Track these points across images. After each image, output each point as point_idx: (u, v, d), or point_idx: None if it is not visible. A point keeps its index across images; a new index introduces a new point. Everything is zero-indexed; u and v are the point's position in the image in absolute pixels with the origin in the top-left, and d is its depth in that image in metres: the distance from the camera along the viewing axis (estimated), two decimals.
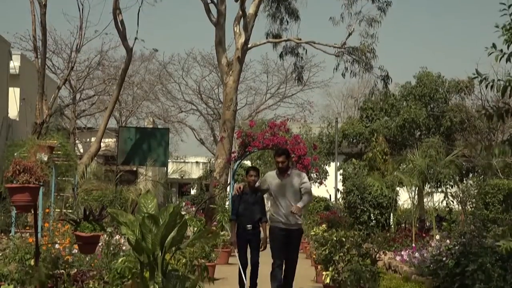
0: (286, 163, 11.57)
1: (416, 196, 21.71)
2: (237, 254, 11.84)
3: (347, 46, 30.36)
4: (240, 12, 27.54)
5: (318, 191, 30.87)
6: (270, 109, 54.13)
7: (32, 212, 8.79)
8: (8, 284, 8.77)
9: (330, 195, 36.37)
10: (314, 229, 19.56)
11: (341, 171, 35.58)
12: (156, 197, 6.61)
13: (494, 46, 8.39)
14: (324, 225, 20.02)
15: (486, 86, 8.63)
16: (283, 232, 11.36)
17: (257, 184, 12.06)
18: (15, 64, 28.79)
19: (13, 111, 28.44)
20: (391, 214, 23.86)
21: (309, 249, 20.52)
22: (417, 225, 21.08)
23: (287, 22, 31.20)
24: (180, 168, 33.97)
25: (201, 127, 55.14)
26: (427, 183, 20.37)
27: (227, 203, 24.02)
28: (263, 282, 12.04)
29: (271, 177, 11.77)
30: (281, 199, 11.44)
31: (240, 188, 12.06)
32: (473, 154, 26.40)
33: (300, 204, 11.32)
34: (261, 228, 11.97)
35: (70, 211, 18.75)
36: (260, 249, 11.84)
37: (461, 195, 21.34)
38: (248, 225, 11.84)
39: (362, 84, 54.73)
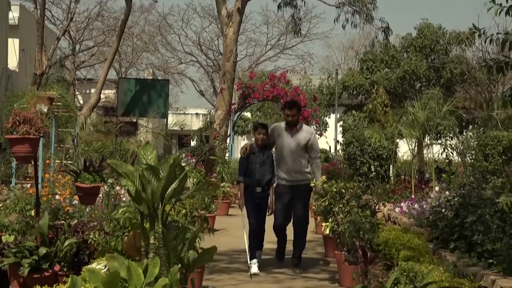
0: (297, 117, 11.00)
1: (416, 148, 21.72)
2: (246, 219, 11.02)
3: None
4: None
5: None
6: (270, 61, 54.11)
7: (32, 163, 8.80)
8: (9, 235, 8.81)
9: (330, 147, 36.44)
10: (314, 181, 19.61)
11: (341, 122, 35.54)
12: (156, 149, 6.60)
13: (493, 0, 8.30)
14: (323, 177, 20.07)
15: (485, 41, 8.57)
16: (288, 189, 10.96)
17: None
18: (14, 14, 28.63)
19: (13, 62, 28.35)
20: (391, 166, 23.90)
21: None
22: (417, 177, 21.12)
23: None
24: (182, 121, 33.90)
25: (201, 79, 55.17)
26: (427, 135, 20.37)
27: (226, 154, 24.07)
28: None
29: (279, 129, 11.16)
30: (286, 154, 10.94)
31: (246, 149, 11.03)
32: (473, 106, 26.37)
33: (317, 178, 10.87)
34: (270, 191, 11.14)
35: (70, 162, 18.78)
36: (267, 214, 11.17)
37: (460, 147, 21.34)
38: (257, 188, 10.98)
39: (362, 35, 54.42)
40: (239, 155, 11.45)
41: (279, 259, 11.54)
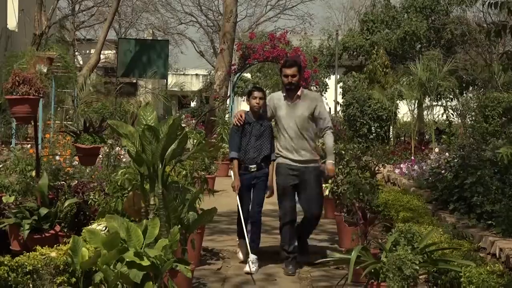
0: (297, 79, 8.86)
1: (416, 109, 21.72)
2: (238, 203, 8.91)
3: None
4: None
5: None
6: (270, 21, 53.92)
7: (32, 123, 8.80)
8: (10, 195, 8.83)
9: (330, 108, 36.38)
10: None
11: (341, 84, 35.50)
12: (156, 110, 6.59)
13: None
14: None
15: (489, 5, 8.50)
16: (293, 171, 8.91)
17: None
18: None
19: (12, 22, 28.20)
20: (391, 127, 23.92)
21: None
22: (416, 138, 21.15)
23: None
24: (182, 82, 33.81)
25: (201, 39, 55.32)
26: (427, 96, 20.35)
27: (227, 115, 24.04)
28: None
29: (276, 100, 9.07)
30: (289, 128, 8.90)
31: (241, 116, 8.99)
32: (474, 68, 26.27)
33: (330, 160, 9.06)
34: (270, 168, 9.07)
35: (70, 123, 18.78)
36: (266, 196, 9.07)
37: (460, 108, 21.33)
38: (251, 166, 8.93)
39: None
40: (232, 125, 9.43)
41: (303, 254, 9.28)
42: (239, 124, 8.96)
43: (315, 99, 9.13)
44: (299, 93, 8.94)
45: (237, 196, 8.91)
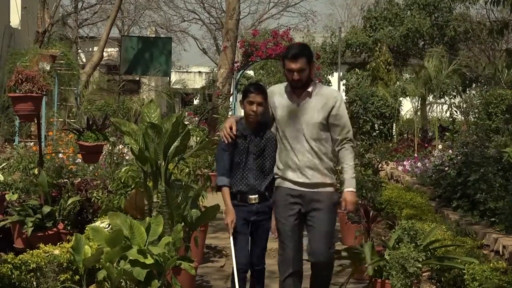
0: (307, 74, 6.18)
1: (419, 106, 21.71)
2: (232, 248, 6.22)
3: None
4: None
5: None
6: (273, 19, 53.75)
7: (35, 121, 8.81)
8: (13, 193, 8.84)
9: None
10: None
11: (344, 81, 35.48)
12: (159, 107, 6.59)
13: None
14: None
15: (492, 3, 8.50)
16: (296, 198, 6.22)
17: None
18: None
19: (15, 19, 28.22)
20: (394, 124, 23.92)
21: None
22: (420, 135, 21.14)
23: None
24: (183, 80, 33.78)
25: (204, 37, 55.08)
26: (430, 93, 20.35)
27: (229, 113, 24.03)
28: None
29: (277, 96, 6.35)
30: (293, 137, 6.23)
31: (231, 129, 6.24)
32: (477, 65, 26.25)
33: (350, 188, 6.24)
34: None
35: (73, 120, 18.79)
36: (272, 236, 6.49)
37: (464, 105, 21.32)
38: (252, 196, 6.26)
39: None
40: (220, 139, 6.56)
41: None
42: (228, 142, 6.23)
43: (333, 97, 6.31)
44: (309, 89, 6.24)
45: (231, 237, 6.19)
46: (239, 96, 6.74)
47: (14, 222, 8.19)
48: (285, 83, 6.41)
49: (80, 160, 10.97)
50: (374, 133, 23.47)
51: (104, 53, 29.63)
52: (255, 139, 6.29)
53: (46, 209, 8.18)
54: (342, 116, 6.31)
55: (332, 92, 6.52)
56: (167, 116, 6.64)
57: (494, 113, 18.50)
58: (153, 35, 42.30)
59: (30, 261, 6.21)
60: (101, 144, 8.61)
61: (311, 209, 6.20)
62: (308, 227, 6.27)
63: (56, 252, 6.45)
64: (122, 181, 8.39)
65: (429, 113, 22.48)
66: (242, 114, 6.42)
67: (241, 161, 6.29)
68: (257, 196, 6.26)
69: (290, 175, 6.22)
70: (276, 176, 6.35)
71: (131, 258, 5.54)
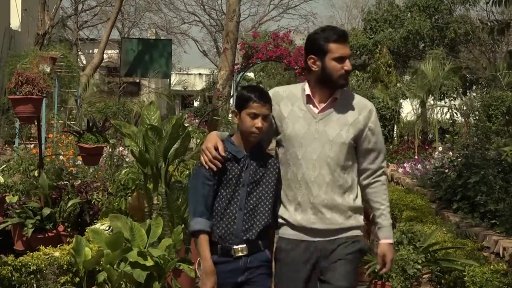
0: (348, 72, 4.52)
1: (420, 109, 21.72)
2: None
3: None
4: None
5: None
6: (273, 21, 54.06)
7: (36, 123, 8.81)
8: (13, 195, 8.84)
9: None
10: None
11: None
12: (159, 109, 6.59)
13: None
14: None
15: (493, 3, 8.50)
16: (310, 253, 4.38)
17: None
18: None
19: (15, 22, 28.20)
20: (394, 126, 23.91)
21: None
22: (420, 137, 21.14)
23: None
24: (184, 81, 33.81)
25: (204, 39, 55.15)
26: (430, 95, 20.35)
27: (230, 115, 24.03)
28: None
29: (286, 101, 4.47)
30: (310, 160, 4.34)
31: (216, 150, 4.32)
32: (477, 67, 26.27)
33: (387, 239, 4.53)
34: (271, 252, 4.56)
35: (74, 122, 18.80)
36: None
37: (464, 107, 21.32)
38: (238, 246, 4.35)
39: None
40: (195, 164, 5.70)
41: None
42: (213, 168, 4.32)
43: (367, 109, 4.51)
44: (337, 94, 4.48)
45: None
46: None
47: (14, 224, 8.18)
48: (293, 85, 4.63)
49: (80, 162, 10.97)
50: None
51: (104, 55, 29.63)
52: (252, 164, 4.41)
53: (46, 211, 8.17)
54: (377, 137, 4.52)
55: (365, 102, 4.59)
56: (167, 118, 6.65)
57: (494, 115, 18.49)
58: (153, 37, 42.29)
59: (30, 263, 6.21)
60: (101, 146, 8.61)
61: (329, 265, 4.35)
62: (322, 284, 4.40)
63: (56, 254, 6.45)
64: (122, 183, 8.40)
65: (429, 115, 22.47)
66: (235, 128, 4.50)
67: (227, 195, 4.38)
68: (245, 246, 4.34)
69: (301, 219, 4.37)
70: (280, 221, 4.48)
71: (131, 260, 5.54)
